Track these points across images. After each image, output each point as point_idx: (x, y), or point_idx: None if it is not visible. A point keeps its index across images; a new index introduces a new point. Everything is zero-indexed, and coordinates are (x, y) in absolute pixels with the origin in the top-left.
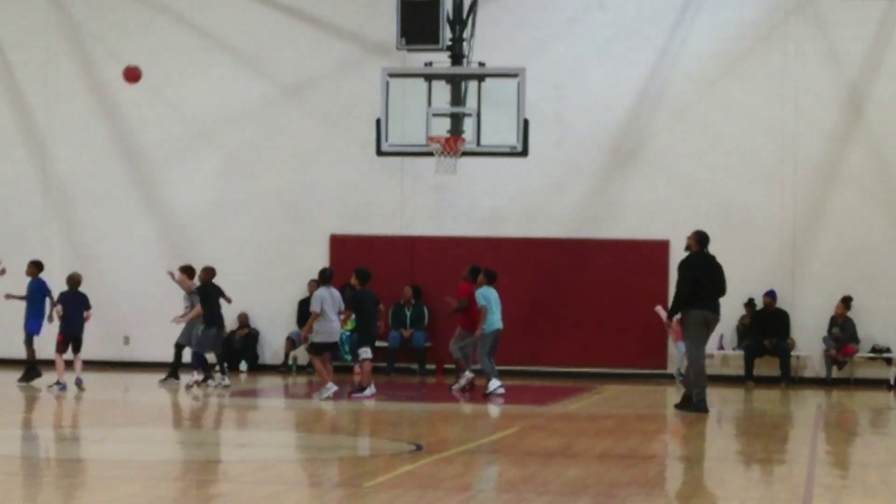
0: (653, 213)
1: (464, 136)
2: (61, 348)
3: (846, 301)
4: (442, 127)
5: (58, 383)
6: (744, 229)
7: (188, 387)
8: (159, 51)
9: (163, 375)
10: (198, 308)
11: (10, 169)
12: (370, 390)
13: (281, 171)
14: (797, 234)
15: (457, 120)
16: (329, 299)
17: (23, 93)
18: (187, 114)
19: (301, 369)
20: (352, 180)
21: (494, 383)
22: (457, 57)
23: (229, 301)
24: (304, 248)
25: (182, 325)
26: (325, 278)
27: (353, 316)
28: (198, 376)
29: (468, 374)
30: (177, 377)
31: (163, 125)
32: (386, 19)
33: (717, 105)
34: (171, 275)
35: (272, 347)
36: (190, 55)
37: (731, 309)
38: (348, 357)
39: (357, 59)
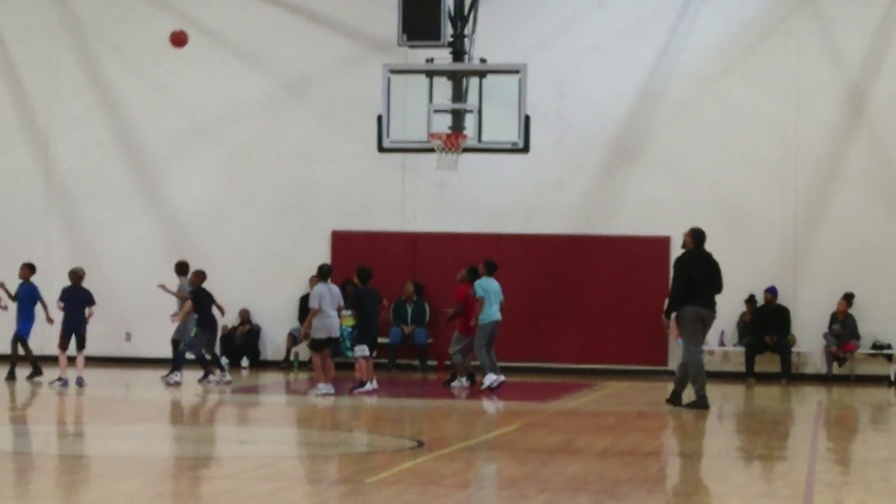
0: (654, 210)
1: (465, 132)
2: (63, 344)
3: (848, 298)
4: (443, 123)
5: (59, 379)
6: (745, 226)
7: (168, 384)
8: (161, 47)
9: (164, 372)
10: (188, 304)
11: (12, 166)
12: (370, 385)
13: (282, 167)
14: (798, 230)
15: (458, 116)
16: (328, 295)
17: (25, 89)
18: (189, 110)
19: (302, 365)
20: (353, 177)
21: (490, 377)
22: (458, 53)
23: (222, 312)
24: (305, 244)
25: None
26: (323, 274)
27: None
28: (178, 377)
29: (464, 381)
30: (180, 370)
31: (165, 122)
32: (387, 16)
33: (718, 102)
34: (163, 288)
35: (274, 343)
36: (192, 52)
37: (731, 305)
38: (349, 353)
39: (358, 55)
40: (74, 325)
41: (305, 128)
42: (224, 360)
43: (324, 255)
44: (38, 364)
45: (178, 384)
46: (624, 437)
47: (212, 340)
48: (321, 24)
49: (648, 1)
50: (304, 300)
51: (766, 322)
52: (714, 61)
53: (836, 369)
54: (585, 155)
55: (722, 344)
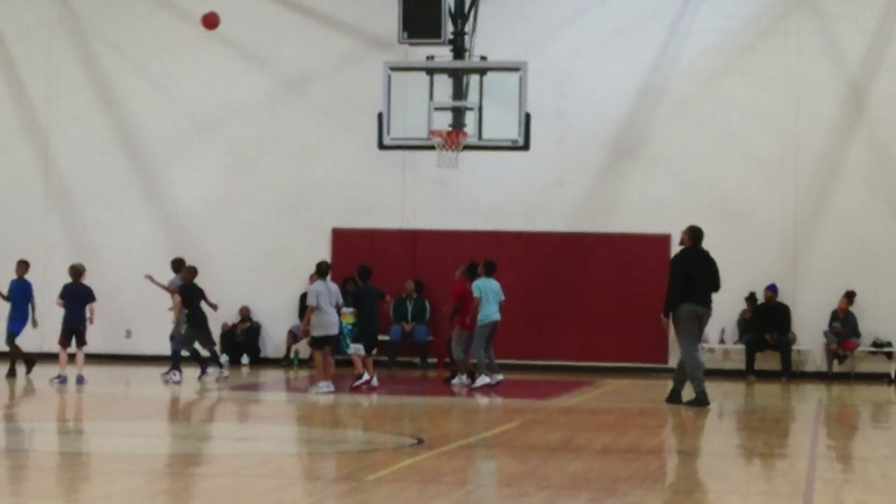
0: (654, 208)
1: (465, 130)
2: (64, 341)
3: (849, 296)
4: (443, 121)
5: (58, 377)
6: (745, 224)
7: (167, 382)
8: (161, 45)
9: (164, 369)
10: (178, 299)
11: (12, 163)
12: (366, 377)
13: (283, 165)
14: (798, 228)
15: (458, 114)
16: (325, 293)
17: (25, 87)
18: (189, 108)
19: (303, 363)
20: (353, 174)
21: (483, 379)
22: (458, 51)
23: (214, 308)
24: (305, 242)
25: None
26: (321, 272)
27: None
28: (177, 377)
29: (464, 379)
30: (178, 370)
31: (165, 119)
32: (388, 13)
33: (718, 100)
34: (150, 279)
35: (274, 341)
36: (192, 49)
37: (732, 303)
38: (349, 351)
39: (359, 53)
40: (74, 323)
41: (306, 126)
42: (224, 358)
43: (324, 253)
44: (30, 359)
45: (177, 383)
46: (624, 435)
47: (204, 336)
48: (321, 22)
49: None
50: (304, 298)
51: (767, 320)
52: (714, 59)
53: (836, 367)
54: (585, 153)
55: (722, 341)
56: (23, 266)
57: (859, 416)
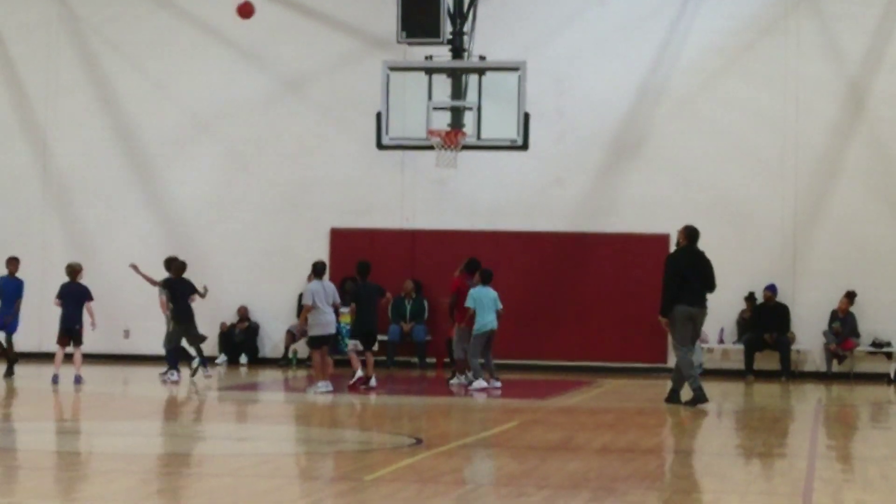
0: (653, 207)
1: (464, 129)
2: (61, 341)
3: (850, 296)
4: (442, 120)
5: (53, 376)
6: (744, 223)
7: (164, 382)
8: (160, 44)
9: (162, 369)
10: (163, 299)
11: (11, 162)
12: (359, 373)
13: (281, 164)
14: (798, 228)
15: (457, 114)
16: (322, 292)
17: (23, 86)
18: (188, 107)
19: (301, 363)
20: (352, 174)
21: (480, 383)
22: (457, 50)
23: (202, 295)
24: (304, 241)
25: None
26: (317, 271)
27: (345, 309)
28: (175, 376)
29: (463, 379)
30: (177, 370)
31: (164, 119)
32: (386, 13)
33: (717, 99)
34: (134, 268)
35: (272, 341)
36: (191, 49)
37: (731, 303)
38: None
39: (357, 52)
40: (71, 322)
41: (304, 125)
42: (222, 357)
43: (323, 253)
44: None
45: (175, 383)
46: (623, 434)
47: (191, 333)
48: (320, 22)
49: None
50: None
51: (766, 320)
52: (714, 58)
53: (835, 367)
54: (585, 152)
55: (721, 341)
56: (14, 263)
57: (858, 416)
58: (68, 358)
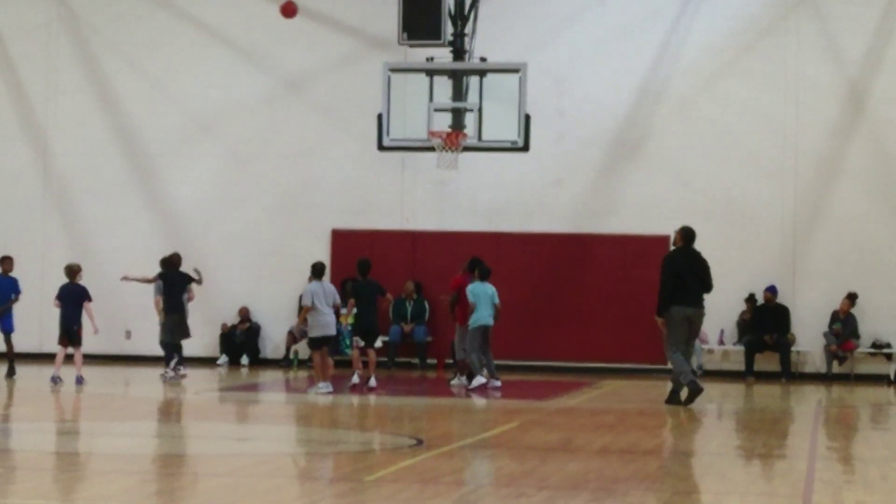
0: (653, 208)
1: (465, 131)
2: (62, 341)
3: (851, 297)
4: (443, 122)
5: (53, 377)
6: (744, 224)
7: (165, 380)
8: (160, 44)
9: (163, 369)
10: (157, 299)
11: (11, 162)
12: (355, 378)
13: (282, 165)
14: (798, 229)
15: (458, 115)
16: (321, 293)
17: (23, 86)
18: (188, 108)
19: (302, 363)
20: (353, 175)
21: (479, 380)
22: (458, 52)
23: (198, 280)
24: (305, 242)
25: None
26: (316, 272)
27: (355, 310)
28: (172, 370)
29: (464, 380)
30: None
31: (164, 119)
32: (387, 14)
33: (717, 100)
34: (126, 279)
35: (273, 341)
36: (191, 49)
37: (731, 304)
38: (348, 351)
39: (358, 53)
40: (70, 323)
41: (305, 126)
42: (224, 358)
43: (323, 254)
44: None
45: (183, 376)
46: (623, 435)
47: (179, 327)
48: (321, 23)
49: None
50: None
51: (766, 321)
52: (713, 59)
53: (835, 368)
54: (585, 153)
55: (721, 342)
56: (8, 262)
57: (859, 418)
58: (69, 359)
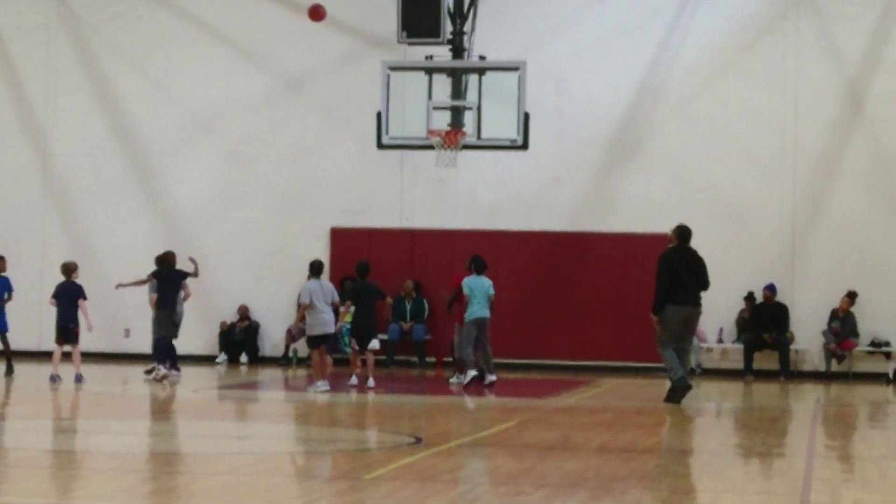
0: (652, 207)
1: (464, 129)
2: (58, 340)
3: (851, 296)
4: (442, 120)
5: (51, 376)
6: (743, 223)
7: (157, 379)
8: (160, 44)
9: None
10: (152, 297)
11: (11, 162)
12: (353, 380)
13: (281, 163)
14: (797, 227)
15: (457, 113)
16: (319, 291)
17: (23, 86)
18: (188, 107)
19: (301, 362)
20: (352, 173)
21: (471, 373)
22: (457, 50)
23: (194, 274)
24: (304, 240)
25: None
26: (314, 270)
27: (353, 309)
28: (166, 369)
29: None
30: (177, 368)
31: (163, 118)
32: (387, 13)
33: (716, 99)
34: (121, 285)
35: (272, 340)
36: (190, 48)
37: (730, 303)
38: (347, 349)
39: (357, 52)
40: (66, 321)
41: (304, 124)
42: (223, 356)
43: (323, 252)
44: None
45: (165, 377)
46: (621, 434)
47: (170, 321)
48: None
49: None
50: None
51: (765, 319)
52: (712, 59)
53: (834, 367)
54: (584, 152)
55: (720, 341)
56: (0, 261)
57: (857, 416)
58: (67, 357)
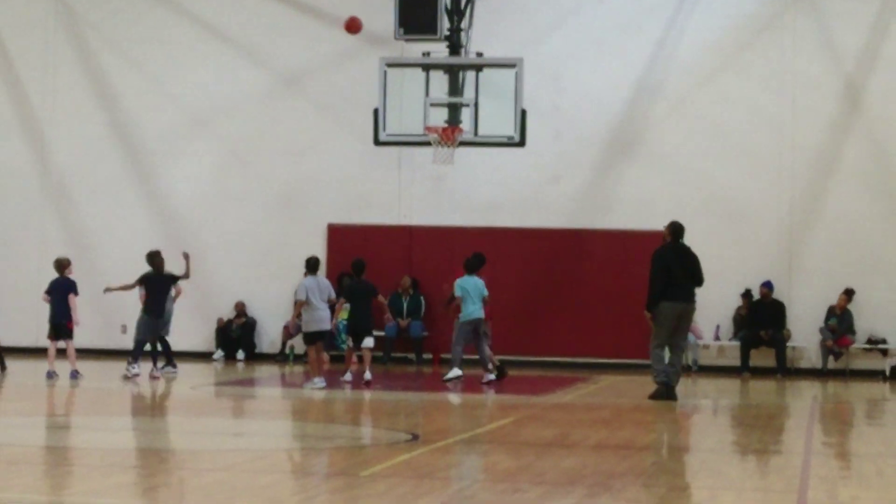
0: (650, 204)
1: (461, 126)
2: (51, 336)
3: (848, 293)
4: (439, 117)
5: (48, 373)
6: (741, 220)
7: (126, 377)
8: (158, 41)
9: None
10: (143, 293)
11: (9, 158)
12: (348, 376)
13: (279, 160)
14: (794, 225)
15: (454, 110)
16: (315, 288)
17: (21, 82)
18: (185, 103)
19: (298, 358)
20: (349, 170)
21: (455, 372)
22: (455, 47)
23: (185, 277)
24: (301, 237)
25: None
26: (311, 267)
27: (347, 306)
28: (134, 368)
29: (490, 376)
30: (173, 365)
31: (161, 115)
32: (384, 9)
33: (714, 97)
34: (109, 290)
35: (269, 336)
36: (188, 45)
37: (727, 300)
38: (344, 346)
39: (355, 49)
40: (58, 317)
41: (302, 121)
42: (220, 353)
43: (320, 249)
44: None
45: (136, 375)
46: (619, 431)
47: (157, 326)
48: (318, 18)
49: None
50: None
51: (762, 316)
52: (710, 56)
53: (831, 364)
54: (581, 149)
55: (717, 338)
56: None
57: (854, 413)
58: (62, 353)
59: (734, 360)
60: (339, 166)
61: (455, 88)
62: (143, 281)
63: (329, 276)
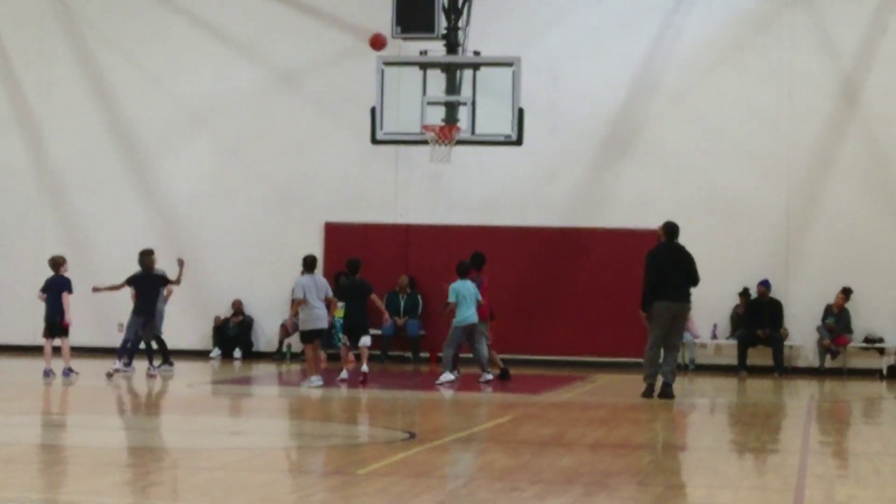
0: (647, 203)
1: (458, 124)
2: (46, 334)
3: (846, 292)
4: (437, 115)
5: (44, 371)
6: (738, 219)
7: (109, 374)
8: (155, 38)
9: (156, 363)
10: (133, 293)
11: (5, 155)
12: (344, 374)
13: (276, 158)
14: (791, 223)
15: (451, 108)
16: (312, 286)
17: (18, 79)
18: (182, 101)
19: (295, 357)
20: (346, 168)
21: (446, 376)
22: (452, 45)
23: (176, 282)
24: (298, 235)
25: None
26: (308, 265)
27: (341, 305)
28: (121, 365)
29: (488, 376)
30: (170, 363)
31: (158, 112)
32: (381, 7)
33: (711, 95)
34: (97, 290)
35: (266, 335)
36: (185, 43)
37: (725, 298)
38: (340, 345)
39: (352, 47)
40: (53, 315)
41: (299, 119)
42: (217, 351)
43: (317, 247)
44: None
45: (117, 371)
46: (616, 430)
47: (149, 327)
48: (315, 16)
49: None
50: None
51: (759, 315)
52: (708, 54)
53: (828, 363)
54: (578, 147)
55: (714, 337)
56: None
57: (851, 412)
58: (58, 351)
59: (731, 358)
60: (337, 165)
61: (452, 87)
62: (132, 281)
63: (326, 274)
